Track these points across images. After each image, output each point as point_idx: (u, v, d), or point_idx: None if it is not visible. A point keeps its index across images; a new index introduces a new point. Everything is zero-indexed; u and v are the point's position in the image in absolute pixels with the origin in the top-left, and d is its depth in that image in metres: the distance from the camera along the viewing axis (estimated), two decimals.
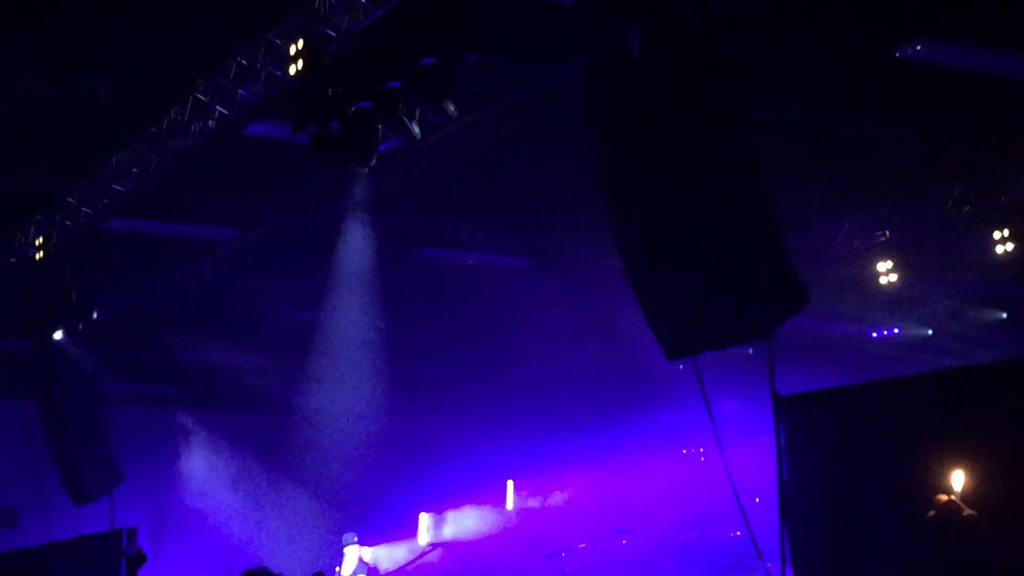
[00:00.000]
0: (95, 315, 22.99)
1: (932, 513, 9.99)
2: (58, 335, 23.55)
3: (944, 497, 9.99)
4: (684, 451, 23.71)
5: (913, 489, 10.83)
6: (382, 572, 25.85)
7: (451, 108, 13.69)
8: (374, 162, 14.73)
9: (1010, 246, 20.80)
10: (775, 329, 11.57)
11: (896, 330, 25.07)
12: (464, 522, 28.77)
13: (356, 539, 22.56)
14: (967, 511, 9.78)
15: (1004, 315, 23.69)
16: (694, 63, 11.36)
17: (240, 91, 16.31)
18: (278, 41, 15.33)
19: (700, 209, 11.50)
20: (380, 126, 14.34)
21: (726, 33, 11.14)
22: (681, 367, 13.76)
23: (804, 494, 11.71)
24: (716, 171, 11.34)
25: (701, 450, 23.47)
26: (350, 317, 23.90)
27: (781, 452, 11.74)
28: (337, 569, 22.23)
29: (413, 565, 27.46)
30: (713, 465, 13.06)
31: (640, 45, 11.43)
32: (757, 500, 19.06)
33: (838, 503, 11.36)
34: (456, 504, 28.89)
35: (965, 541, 9.86)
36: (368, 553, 24.33)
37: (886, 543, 11.00)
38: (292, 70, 14.71)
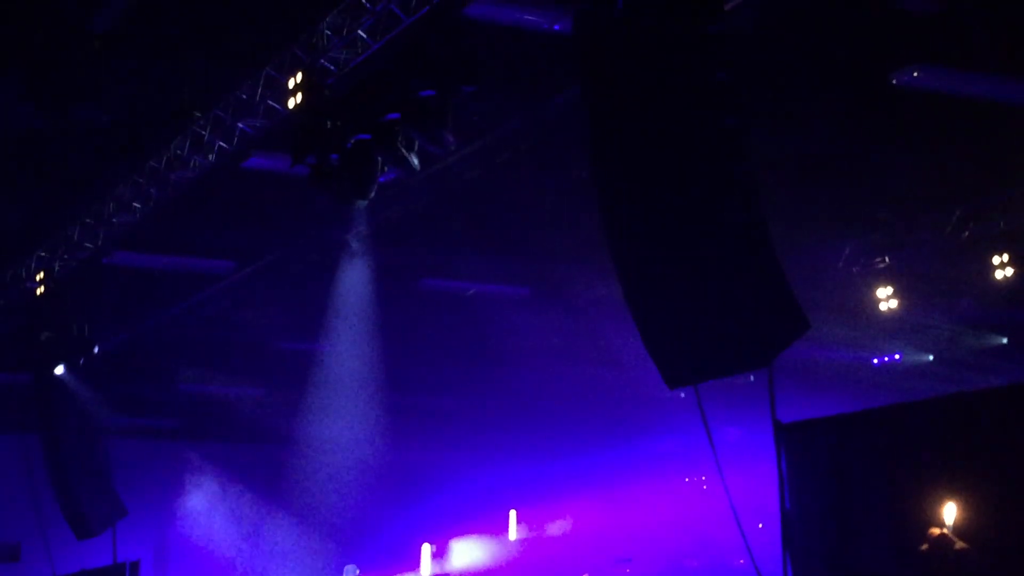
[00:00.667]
0: (96, 349, 23.02)
1: (925, 547, 9.99)
2: (59, 369, 23.55)
3: (936, 531, 10.00)
4: (687, 479, 23.67)
5: (910, 518, 10.83)
6: None
7: (450, 139, 13.72)
8: (373, 194, 14.76)
9: (1009, 271, 20.84)
10: (776, 356, 11.56)
11: (897, 356, 25.07)
12: (467, 552, 28.75)
13: (358, 571, 22.58)
14: (959, 544, 9.78)
15: (1004, 340, 23.70)
16: (689, 90, 11.39)
17: (239, 124, 16.36)
18: (277, 74, 15.38)
19: (699, 237, 11.51)
20: (379, 158, 14.37)
21: (722, 59, 11.17)
22: (683, 395, 13.75)
23: (805, 522, 11.69)
24: (715, 199, 11.34)
25: (703, 478, 23.44)
26: (350, 348, 23.92)
27: (783, 480, 11.72)
28: None
29: None
30: (716, 492, 13.07)
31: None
32: (760, 526, 19.06)
33: (838, 531, 11.34)
34: (459, 534, 28.87)
35: (957, 574, 9.87)
36: None
37: (885, 571, 10.98)
38: (291, 103, 14.78)
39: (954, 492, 10.33)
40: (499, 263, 21.70)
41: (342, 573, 22.86)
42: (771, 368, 11.67)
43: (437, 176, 17.49)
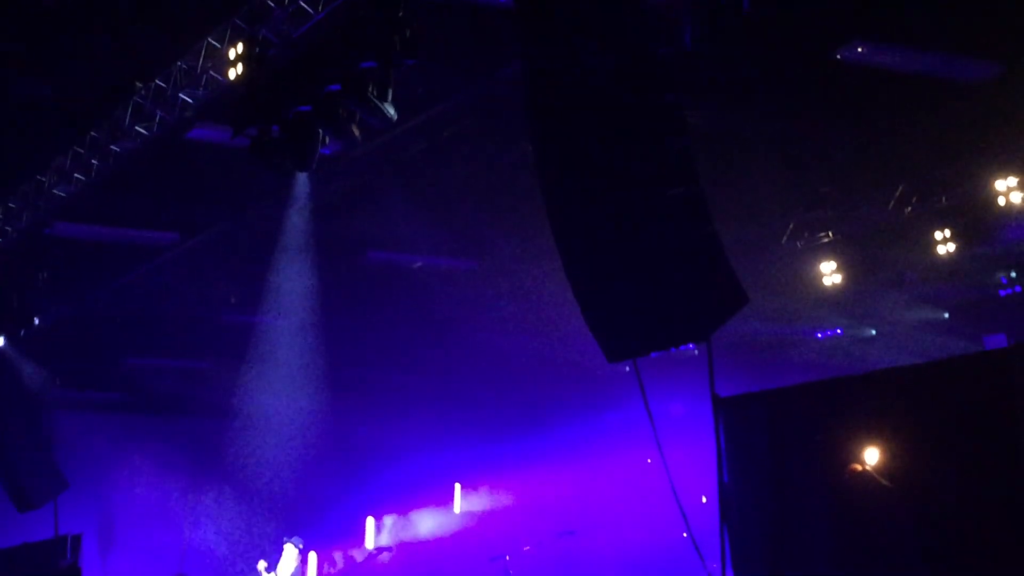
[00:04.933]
0: (37, 321, 22.86)
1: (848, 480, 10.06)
2: (0, 341, 23.38)
3: (858, 467, 10.06)
4: (649, 460, 23.69)
5: (844, 489, 10.91)
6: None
7: (391, 112, 13.64)
8: (314, 166, 14.69)
9: (951, 247, 20.97)
10: (715, 330, 11.61)
11: (838, 331, 25.22)
12: (411, 525, 28.78)
13: (301, 544, 22.56)
14: (882, 482, 9.85)
15: (946, 315, 23.86)
16: (629, 66, 11.39)
17: (181, 95, 16.23)
18: (218, 44, 15.26)
19: (638, 211, 11.53)
20: (320, 130, 14.29)
21: (661, 36, 11.18)
22: (627, 368, 13.78)
23: (743, 494, 11.74)
24: (653, 173, 11.37)
25: (648, 460, 23.51)
26: (294, 321, 23.85)
27: (721, 453, 11.77)
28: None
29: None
30: (659, 466, 13.13)
31: None
32: (704, 500, 19.13)
33: (775, 502, 11.41)
34: (403, 508, 28.88)
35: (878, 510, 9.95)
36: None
37: (820, 540, 11.06)
38: (232, 74, 14.68)
39: (884, 462, 10.46)
40: (445, 236, 21.66)
41: (282, 545, 22.78)
42: (709, 342, 11.70)
43: (381, 149, 17.43)
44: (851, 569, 10.79)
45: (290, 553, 22.46)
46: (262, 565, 22.26)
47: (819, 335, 25.50)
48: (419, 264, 23.32)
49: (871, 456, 10.12)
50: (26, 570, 21.69)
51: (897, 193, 20.45)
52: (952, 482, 10.02)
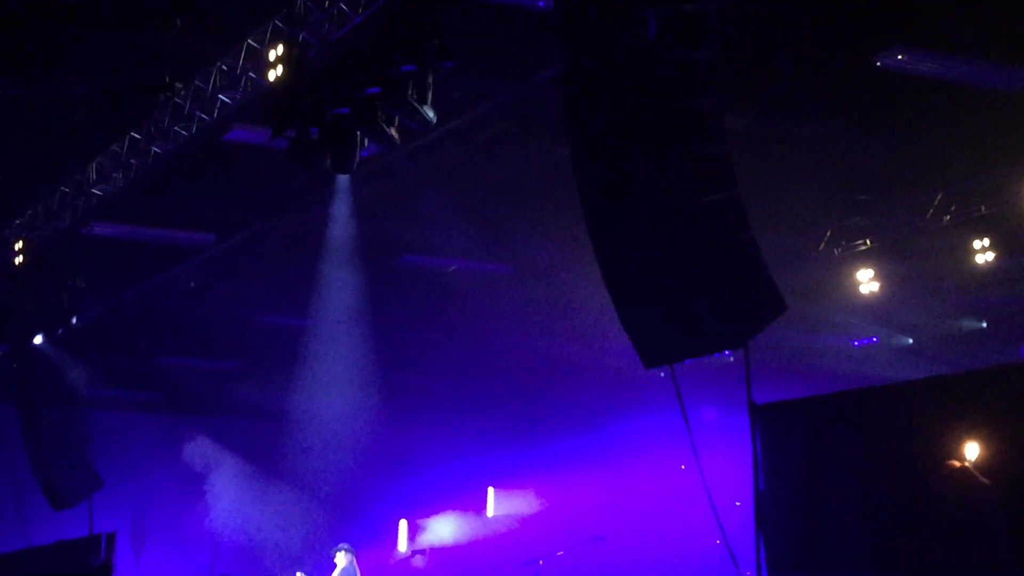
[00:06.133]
0: (74, 320, 22.98)
1: (945, 472, 9.85)
2: (38, 339, 23.51)
3: (958, 463, 9.85)
4: (683, 467, 23.60)
5: (882, 500, 10.84)
6: None
7: (430, 115, 13.67)
8: (353, 168, 14.72)
9: (990, 256, 20.86)
10: (752, 337, 11.57)
11: (874, 339, 25.11)
12: (444, 529, 28.76)
13: (346, 547, 22.61)
14: (982, 480, 9.65)
15: (984, 324, 23.73)
16: (668, 71, 11.37)
17: (220, 96, 16.31)
18: (258, 46, 15.31)
19: (677, 217, 11.50)
20: (359, 132, 14.32)
21: (697, 40, 11.16)
22: (662, 374, 13.76)
23: (779, 502, 11.69)
24: (692, 178, 11.34)
25: (683, 466, 23.44)
26: (330, 324, 23.90)
27: (757, 460, 11.72)
28: None
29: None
30: (693, 472, 13.10)
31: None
32: (738, 504, 19.07)
33: (811, 511, 11.35)
34: (437, 511, 28.87)
35: (972, 511, 9.73)
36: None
37: (858, 551, 11.00)
38: (272, 76, 14.73)
39: (926, 473, 10.37)
40: (480, 240, 21.65)
41: (323, 545, 22.82)
42: (747, 349, 11.66)
43: (419, 152, 17.46)
44: None
45: (342, 560, 22.48)
46: None
47: (855, 343, 25.39)
48: (453, 268, 23.33)
49: (971, 452, 9.89)
50: (59, 568, 21.77)
51: (936, 201, 20.36)
52: None
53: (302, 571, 22.56)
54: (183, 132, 17.16)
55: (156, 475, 28.81)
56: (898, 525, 10.66)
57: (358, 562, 24.44)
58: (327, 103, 14.24)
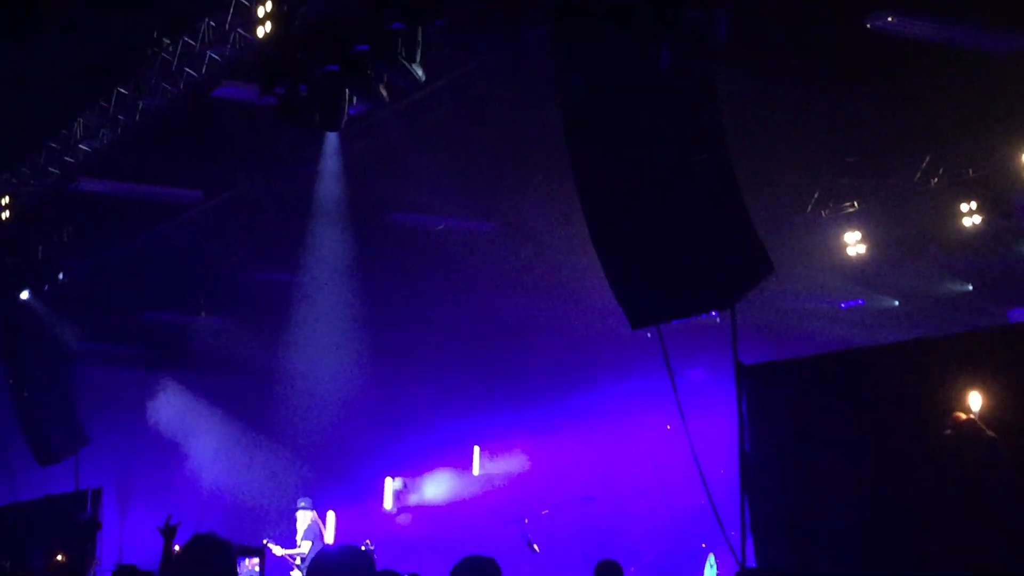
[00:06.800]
0: (61, 276, 22.96)
1: (948, 431, 9.83)
2: (24, 295, 23.48)
3: (963, 415, 9.81)
4: (668, 427, 23.63)
5: (867, 462, 10.89)
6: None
7: (419, 73, 13.63)
8: (342, 126, 14.69)
9: (978, 219, 20.86)
10: (739, 299, 11.60)
11: (861, 301, 25.14)
12: (430, 487, 28.85)
13: (305, 504, 22.69)
14: (989, 432, 9.63)
15: (970, 287, 23.76)
16: (660, 31, 11.35)
17: (209, 53, 16.24)
18: (247, 2, 15.25)
19: (666, 178, 11.51)
20: (348, 90, 14.28)
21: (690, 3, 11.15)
22: (649, 335, 13.79)
23: (765, 463, 11.75)
24: (681, 138, 11.35)
25: (668, 426, 23.48)
26: (317, 281, 23.89)
27: (743, 421, 11.77)
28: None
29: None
30: (679, 433, 13.13)
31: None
32: (722, 472, 19.14)
33: (797, 472, 11.40)
34: (423, 469, 28.94)
35: (978, 463, 9.71)
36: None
37: (843, 512, 11.06)
38: (261, 32, 14.68)
39: (909, 434, 10.42)
40: (468, 199, 21.63)
41: (297, 505, 22.92)
42: (733, 310, 11.69)
43: (408, 110, 17.41)
44: (876, 539, 10.78)
45: (303, 517, 22.59)
46: (268, 543, 22.19)
47: (842, 305, 25.43)
48: (441, 226, 23.31)
49: (975, 403, 9.84)
50: (46, 522, 21.84)
51: (924, 164, 20.36)
52: None
53: (270, 538, 22.55)
54: (171, 88, 17.09)
55: (142, 431, 28.82)
56: (886, 484, 10.71)
57: (340, 520, 24.56)
58: (316, 60, 14.19)
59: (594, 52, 11.95)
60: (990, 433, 9.50)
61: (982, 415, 9.63)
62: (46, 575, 20.08)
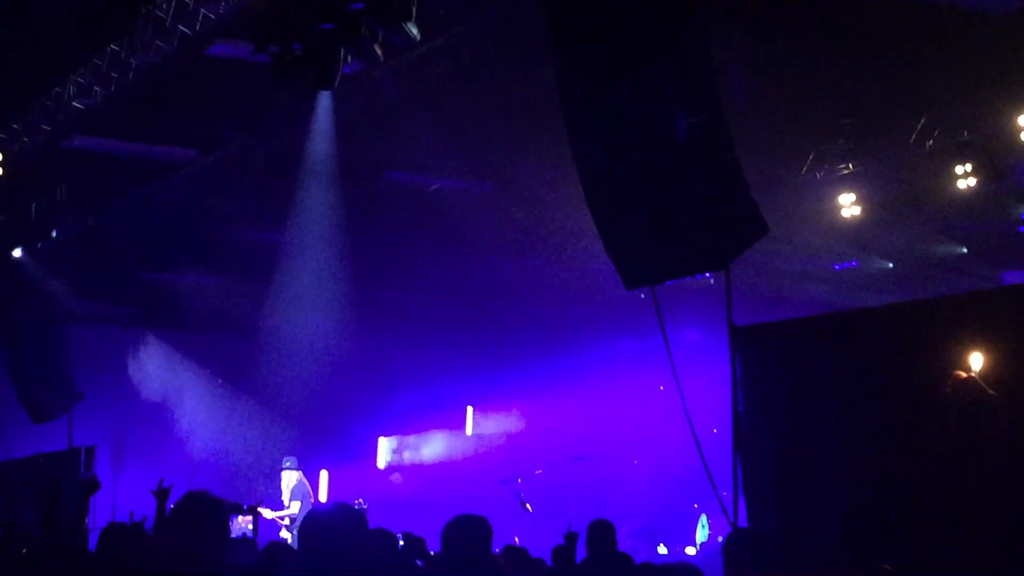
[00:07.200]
0: (54, 233, 22.92)
1: (949, 389, 9.85)
2: (17, 253, 23.44)
3: (963, 373, 9.85)
4: (661, 387, 23.66)
5: (859, 423, 10.92)
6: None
7: (414, 31, 13.56)
8: (336, 85, 14.62)
9: (972, 181, 20.83)
10: (733, 259, 11.60)
11: (854, 263, 25.14)
12: (423, 447, 28.92)
13: (289, 463, 22.71)
14: (989, 391, 9.66)
15: (964, 250, 23.77)
16: None
17: (202, 10, 16.17)
18: None
19: (660, 139, 11.49)
20: (343, 49, 14.21)
21: None
22: (643, 296, 13.81)
23: (757, 424, 11.77)
24: (676, 101, 11.32)
25: (661, 387, 23.53)
26: (312, 240, 23.86)
27: (736, 382, 11.79)
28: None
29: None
30: (672, 393, 13.16)
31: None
32: (715, 431, 19.19)
33: (790, 433, 11.43)
34: (416, 429, 29.01)
35: (979, 421, 9.74)
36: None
37: (836, 472, 11.09)
38: None
39: (902, 396, 10.44)
40: (463, 159, 21.59)
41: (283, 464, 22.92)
42: (727, 271, 11.70)
43: (402, 70, 17.36)
44: (869, 498, 10.82)
45: (288, 477, 22.60)
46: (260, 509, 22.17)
47: (835, 267, 25.43)
48: (436, 186, 23.28)
49: (975, 362, 9.87)
50: (40, 480, 21.84)
51: (919, 126, 20.32)
52: None
53: (260, 501, 22.54)
54: (165, 46, 17.03)
55: (133, 391, 28.83)
56: (879, 444, 10.74)
57: (333, 479, 24.60)
58: (311, 18, 14.10)
59: (588, 14, 11.90)
60: (990, 391, 9.53)
61: (979, 375, 9.67)
62: (39, 532, 20.09)
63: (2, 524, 18.35)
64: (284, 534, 22.23)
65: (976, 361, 9.86)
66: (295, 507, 22.16)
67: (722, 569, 8.98)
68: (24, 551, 11.78)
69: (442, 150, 20.81)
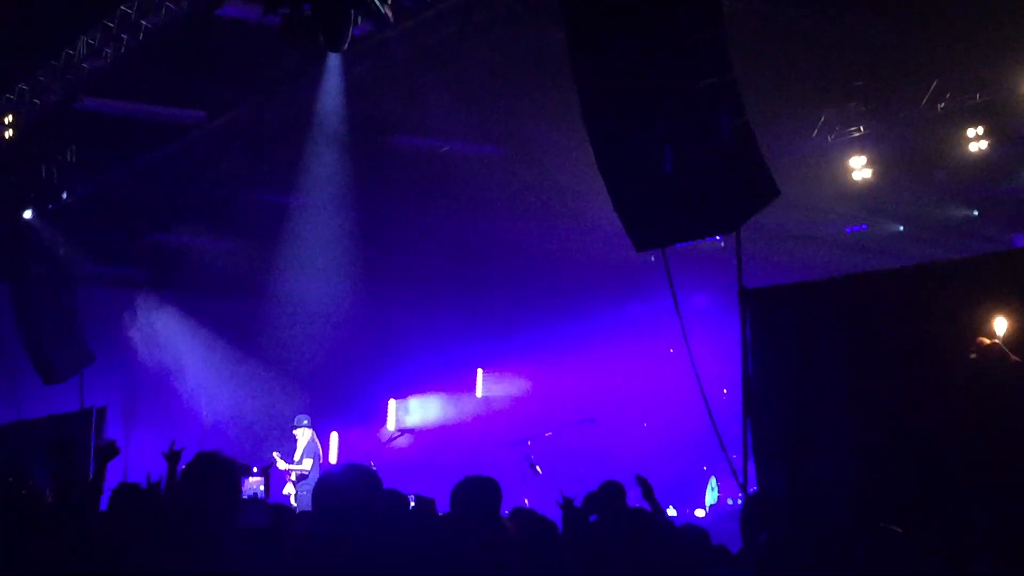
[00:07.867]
0: (65, 195, 22.93)
1: (973, 355, 9.85)
2: (27, 215, 23.46)
3: (987, 340, 9.83)
4: (671, 350, 23.67)
5: (869, 385, 10.91)
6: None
7: None
8: (346, 46, 14.59)
9: (984, 144, 20.78)
10: (744, 222, 11.59)
11: (864, 226, 25.09)
12: (433, 409, 28.95)
13: (306, 421, 22.83)
14: (1014, 357, 9.65)
15: (975, 213, 23.72)
16: None
17: None
18: None
19: (672, 100, 11.46)
20: (352, 10, 14.17)
21: None
22: (652, 258, 13.81)
23: (767, 387, 11.78)
24: (687, 62, 11.29)
25: (671, 350, 23.54)
26: (321, 203, 23.86)
27: (746, 345, 11.79)
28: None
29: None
30: (682, 356, 13.17)
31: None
32: (725, 392, 19.20)
33: (800, 396, 11.43)
34: (425, 391, 29.04)
35: (1003, 387, 9.72)
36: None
37: (847, 435, 11.10)
38: None
39: (912, 358, 10.44)
40: (473, 122, 21.52)
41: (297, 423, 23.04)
42: (738, 234, 11.69)
43: (412, 32, 17.30)
44: (875, 461, 10.82)
45: (302, 435, 22.73)
46: (276, 456, 22.52)
47: (847, 230, 25.38)
48: (446, 149, 23.22)
49: (1000, 327, 9.85)
50: (52, 440, 21.89)
51: (931, 88, 20.25)
52: None
53: (278, 451, 22.76)
54: (174, 7, 16.99)
55: (143, 353, 28.86)
56: (889, 407, 10.74)
57: (343, 441, 24.67)
58: None
59: None
60: (1015, 357, 9.53)
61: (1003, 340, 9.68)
62: (52, 492, 20.16)
63: (15, 484, 18.41)
64: (288, 489, 22.39)
65: (1000, 326, 9.85)
66: (307, 464, 22.32)
67: (738, 532, 9.01)
68: (37, 510, 11.82)
69: (452, 112, 20.74)
